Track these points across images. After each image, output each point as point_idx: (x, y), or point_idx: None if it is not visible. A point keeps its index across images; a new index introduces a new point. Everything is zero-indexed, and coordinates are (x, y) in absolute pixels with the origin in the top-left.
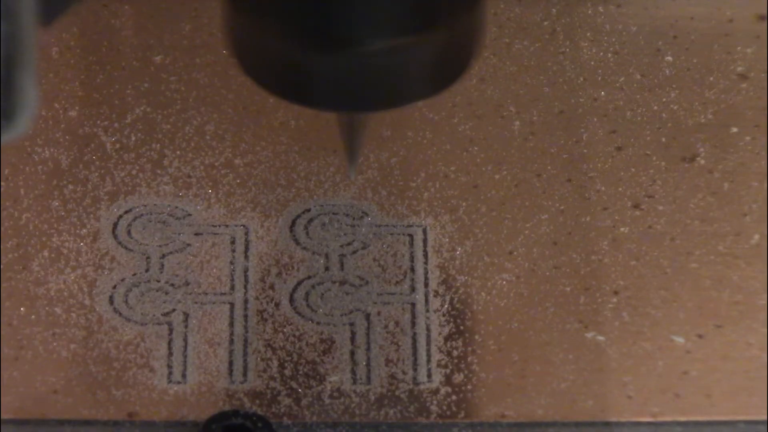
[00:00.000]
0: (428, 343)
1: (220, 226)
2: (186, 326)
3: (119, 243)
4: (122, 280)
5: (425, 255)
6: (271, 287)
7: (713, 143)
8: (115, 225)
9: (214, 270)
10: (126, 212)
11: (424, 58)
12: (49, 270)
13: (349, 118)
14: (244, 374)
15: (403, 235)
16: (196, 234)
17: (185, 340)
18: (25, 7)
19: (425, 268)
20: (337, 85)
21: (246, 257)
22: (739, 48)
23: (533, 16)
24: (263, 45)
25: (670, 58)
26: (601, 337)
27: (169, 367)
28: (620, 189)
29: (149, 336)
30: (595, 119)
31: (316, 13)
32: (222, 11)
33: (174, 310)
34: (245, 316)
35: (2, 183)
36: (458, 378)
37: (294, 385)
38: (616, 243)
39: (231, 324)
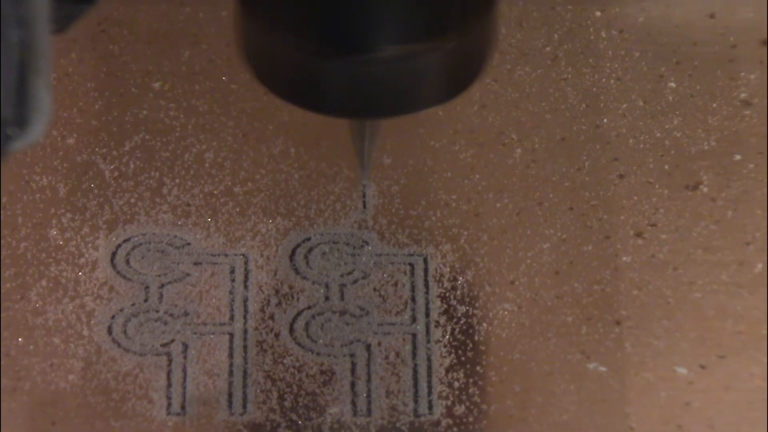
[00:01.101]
0: (429, 375)
1: (219, 255)
2: (185, 357)
3: (118, 272)
4: (121, 310)
5: (426, 284)
6: (271, 317)
7: (716, 171)
8: (114, 254)
9: (214, 300)
10: (125, 241)
11: (436, 64)
12: (47, 300)
13: (361, 124)
14: (244, 406)
15: (404, 264)
16: (196, 263)
17: (184, 371)
18: (39, 14)
19: (426, 298)
20: (349, 92)
21: (245, 287)
22: (742, 74)
23: (535, 42)
24: (275, 51)
25: (673, 84)
26: (603, 368)
27: (168, 398)
28: (622, 217)
29: (148, 367)
30: (598, 146)
31: (329, 20)
32: (234, 18)
33: (173, 340)
34: (245, 347)
35: (0, 210)
36: (460, 410)
37: (294, 416)
38: (619, 272)
39: (230, 355)
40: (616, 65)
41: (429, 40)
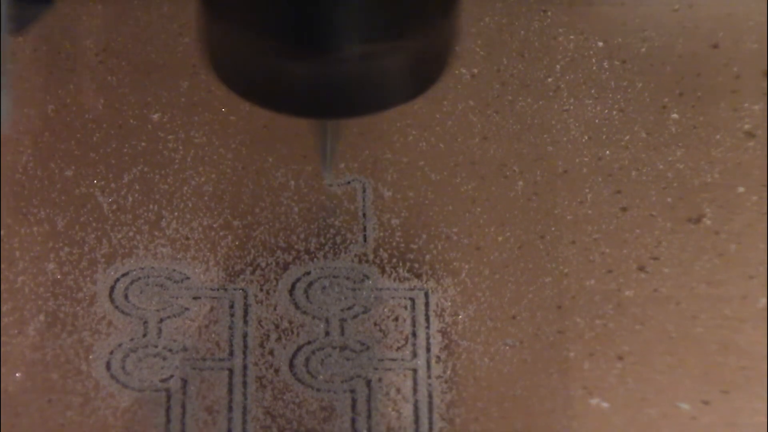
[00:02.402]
0: (430, 411)
1: (218, 289)
2: (184, 393)
3: (116, 307)
4: (119, 345)
5: (427, 319)
6: (271, 353)
7: (719, 203)
8: (112, 288)
9: (213, 335)
10: (123, 275)
11: (399, 64)
12: (45, 335)
13: (323, 124)
14: None
15: (405, 298)
16: (195, 298)
17: (183, 407)
18: None
19: (427, 333)
20: (312, 92)
21: (245, 322)
22: (746, 105)
23: (537, 73)
24: (239, 52)
25: (676, 116)
26: (605, 404)
27: None
28: (625, 251)
29: (147, 403)
30: (600, 179)
31: (292, 20)
32: (197, 18)
33: (172, 376)
34: (244, 383)
35: None
36: None
37: None
38: (621, 307)
39: (230, 391)
40: (619, 96)
41: (391, 40)
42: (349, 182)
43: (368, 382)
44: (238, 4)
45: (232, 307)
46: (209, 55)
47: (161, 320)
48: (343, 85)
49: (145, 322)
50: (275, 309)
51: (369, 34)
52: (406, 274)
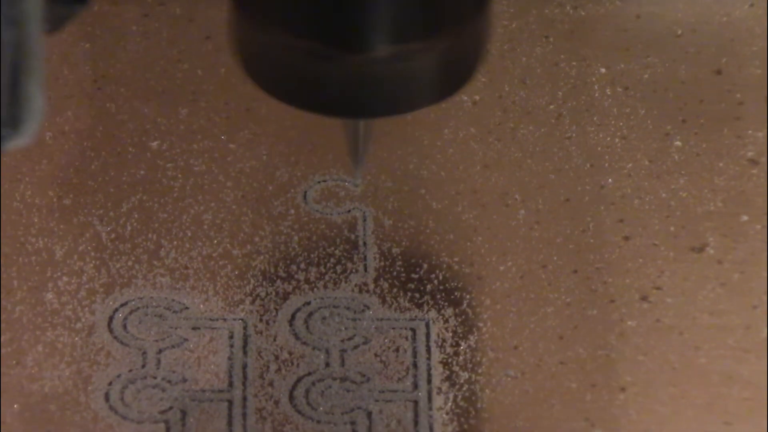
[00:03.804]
0: None
1: (218, 320)
2: (183, 425)
3: (115, 337)
4: (118, 376)
5: (428, 350)
6: (271, 384)
7: (723, 232)
8: (111, 319)
9: (212, 366)
10: (122, 305)
11: (430, 64)
12: (43, 365)
13: (355, 124)
14: None
15: (406, 329)
16: (194, 328)
17: None
18: (31, 15)
19: (428, 364)
20: (343, 91)
21: (245, 352)
22: (749, 132)
23: (539, 100)
24: (269, 51)
25: (679, 143)
26: None
27: None
28: (628, 281)
29: None
30: (602, 208)
31: (323, 20)
32: (228, 17)
33: (171, 407)
34: (244, 415)
35: None
36: None
37: None
38: (624, 337)
39: (229, 423)
40: (621, 123)
41: (423, 40)
42: (349, 211)
43: (369, 414)
44: (269, 4)
45: (231, 337)
46: (239, 54)
47: (160, 351)
48: (375, 84)
49: (144, 353)
50: (275, 339)
51: (402, 33)
52: (407, 304)
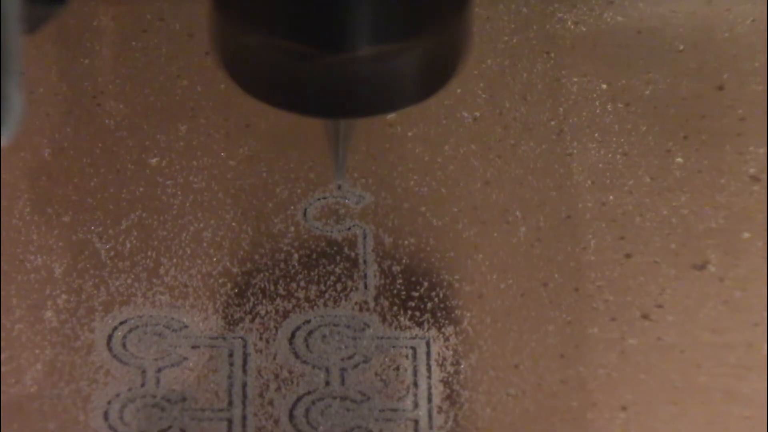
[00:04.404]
0: None
1: (217, 338)
2: None
3: (114, 356)
4: (117, 395)
5: (429, 369)
6: (270, 403)
7: (724, 249)
8: (110, 337)
9: (212, 385)
10: (121, 323)
11: (412, 64)
12: (42, 384)
13: (336, 124)
14: None
15: (406, 347)
16: (193, 347)
17: None
18: (9, 15)
19: (429, 383)
20: (325, 91)
21: (244, 371)
22: (751, 148)
23: (539, 116)
24: (250, 51)
25: (680, 160)
26: None
27: None
28: (629, 298)
29: None
30: (603, 225)
31: (304, 20)
32: (208, 17)
33: (170, 426)
34: None
35: None
36: None
37: None
38: (625, 356)
39: None
40: (623, 140)
41: (404, 40)
42: (349, 228)
43: None
44: (250, 4)
45: (231, 356)
46: (221, 56)
47: (159, 369)
48: (356, 84)
49: (144, 372)
50: (275, 358)
51: (383, 33)
52: (408, 323)
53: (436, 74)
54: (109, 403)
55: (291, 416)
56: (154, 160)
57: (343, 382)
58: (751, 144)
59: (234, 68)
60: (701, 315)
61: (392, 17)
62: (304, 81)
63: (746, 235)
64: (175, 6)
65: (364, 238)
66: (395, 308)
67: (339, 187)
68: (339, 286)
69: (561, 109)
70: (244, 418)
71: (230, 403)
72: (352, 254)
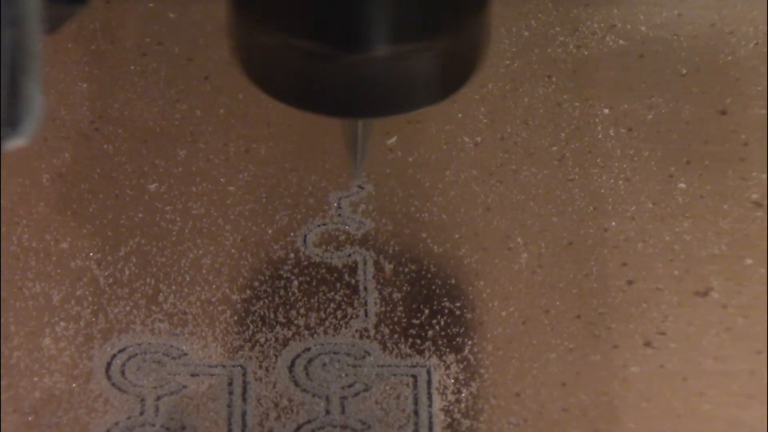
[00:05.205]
0: None
1: (217, 366)
2: None
3: (113, 384)
4: (116, 423)
5: (429, 397)
6: None
7: (727, 276)
8: (109, 365)
9: (211, 413)
10: (120, 351)
11: (429, 64)
12: (40, 412)
13: (354, 124)
14: None
15: (407, 375)
16: (193, 375)
17: None
18: (30, 14)
19: (429, 412)
20: (343, 91)
21: (244, 400)
22: (754, 174)
23: (541, 141)
24: (268, 52)
25: (683, 185)
26: None
27: None
28: (631, 326)
29: None
30: (606, 251)
31: (322, 20)
32: (227, 17)
33: None
34: None
35: None
36: None
37: None
38: (627, 383)
39: None
40: (625, 165)
41: (422, 40)
42: (349, 255)
43: None
44: (268, 4)
45: (230, 384)
46: (239, 55)
47: (159, 398)
48: (374, 84)
49: (143, 400)
50: (274, 386)
51: (401, 33)
52: (408, 351)
53: (454, 74)
54: (108, 431)
55: None
56: (153, 186)
57: (343, 411)
58: (754, 169)
59: (252, 68)
60: (704, 342)
61: (410, 17)
62: (323, 81)
63: (749, 261)
64: (175, 30)
65: (365, 264)
66: (396, 336)
67: (339, 215)
68: (339, 314)
69: (563, 134)
70: None
71: None
72: (353, 281)
